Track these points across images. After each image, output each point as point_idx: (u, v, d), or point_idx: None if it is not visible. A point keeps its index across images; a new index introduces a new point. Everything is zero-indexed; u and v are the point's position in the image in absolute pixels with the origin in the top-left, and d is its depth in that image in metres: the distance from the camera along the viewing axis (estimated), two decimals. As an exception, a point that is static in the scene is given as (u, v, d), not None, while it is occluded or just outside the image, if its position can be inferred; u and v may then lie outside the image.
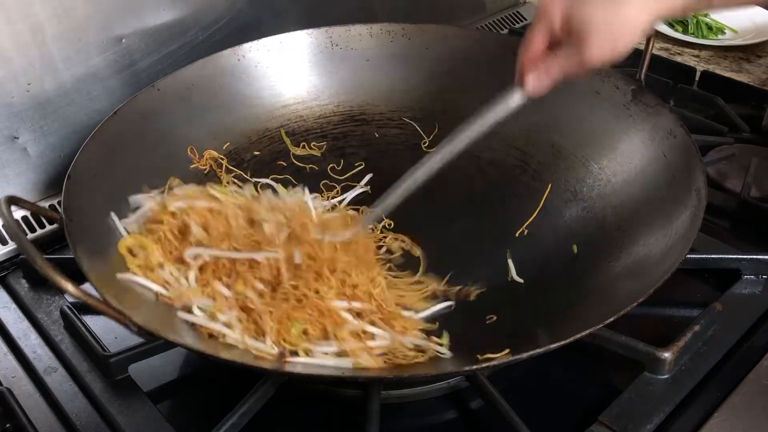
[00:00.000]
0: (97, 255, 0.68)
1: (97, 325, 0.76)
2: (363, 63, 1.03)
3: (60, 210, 0.70)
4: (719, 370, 0.71)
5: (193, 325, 0.66)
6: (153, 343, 0.70)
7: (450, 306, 0.74)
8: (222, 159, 0.91)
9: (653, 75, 1.12)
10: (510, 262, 0.80)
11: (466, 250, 0.82)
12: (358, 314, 0.68)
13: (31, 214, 0.91)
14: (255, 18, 1.06)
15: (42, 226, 0.90)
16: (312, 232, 0.71)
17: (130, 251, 0.71)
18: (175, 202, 0.73)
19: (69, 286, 0.57)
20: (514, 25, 1.41)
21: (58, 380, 0.72)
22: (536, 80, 0.69)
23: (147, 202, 0.75)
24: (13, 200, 0.65)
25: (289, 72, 1.01)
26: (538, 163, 0.92)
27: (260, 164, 0.94)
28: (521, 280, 0.78)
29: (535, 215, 0.85)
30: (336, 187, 0.90)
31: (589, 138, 0.89)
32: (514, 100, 0.71)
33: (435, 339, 0.68)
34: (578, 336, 0.59)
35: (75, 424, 0.67)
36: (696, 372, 0.70)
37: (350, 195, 0.89)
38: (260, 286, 0.67)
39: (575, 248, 0.81)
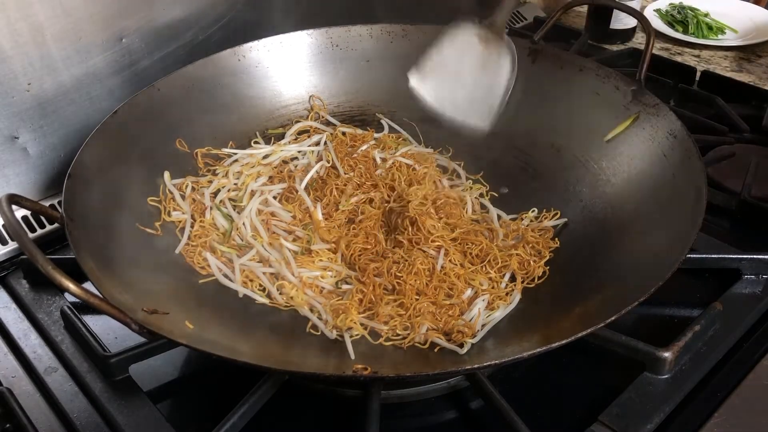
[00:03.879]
0: (98, 254, 0.68)
1: (97, 325, 0.76)
2: (363, 63, 1.03)
3: (60, 209, 0.70)
4: (719, 370, 0.71)
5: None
6: (153, 343, 0.70)
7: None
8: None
9: (653, 75, 1.13)
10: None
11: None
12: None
13: (32, 214, 0.91)
14: (255, 18, 1.06)
15: (42, 226, 0.90)
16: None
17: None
18: None
19: (70, 285, 0.57)
20: (514, 25, 1.41)
21: (58, 380, 0.72)
22: None
23: None
24: (14, 199, 0.65)
25: (289, 72, 1.01)
26: (538, 163, 0.92)
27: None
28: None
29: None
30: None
31: (589, 138, 0.89)
32: None
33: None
34: (578, 336, 0.59)
35: (75, 424, 0.67)
36: (696, 372, 0.70)
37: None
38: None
39: (576, 248, 0.81)
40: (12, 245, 0.87)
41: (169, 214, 0.83)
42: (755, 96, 1.16)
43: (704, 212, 0.70)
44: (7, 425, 0.65)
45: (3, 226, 0.88)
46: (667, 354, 0.68)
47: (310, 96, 1.01)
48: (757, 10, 1.44)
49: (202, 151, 0.91)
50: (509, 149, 0.94)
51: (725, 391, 0.69)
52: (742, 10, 1.45)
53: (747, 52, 1.33)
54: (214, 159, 0.92)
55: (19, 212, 0.89)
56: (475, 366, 0.63)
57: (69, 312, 0.76)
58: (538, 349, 0.58)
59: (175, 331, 0.63)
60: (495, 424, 0.67)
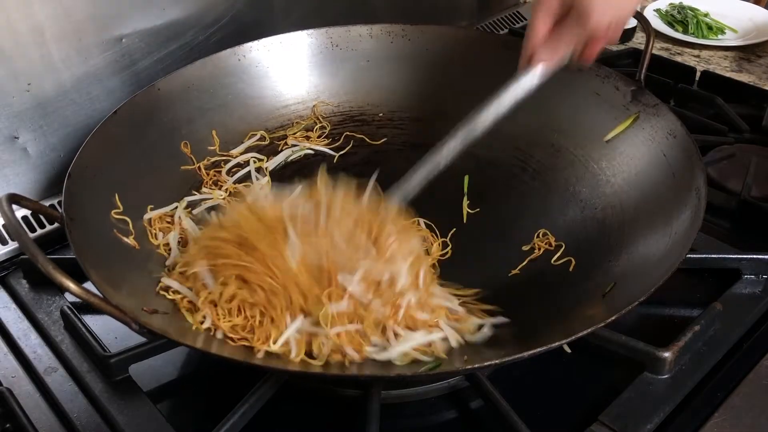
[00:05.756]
0: (98, 254, 0.68)
1: (97, 325, 0.76)
2: (363, 63, 1.03)
3: (60, 209, 0.70)
4: (719, 370, 0.71)
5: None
6: (153, 343, 0.70)
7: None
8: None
9: (653, 75, 1.13)
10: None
11: (465, 250, 0.82)
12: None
13: (32, 214, 0.91)
14: (255, 18, 1.06)
15: (42, 226, 0.90)
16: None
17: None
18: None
19: (71, 285, 0.57)
20: (514, 25, 1.41)
21: (58, 380, 0.71)
22: (549, 56, 0.73)
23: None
24: (14, 198, 0.65)
25: (289, 72, 1.01)
26: (538, 163, 0.92)
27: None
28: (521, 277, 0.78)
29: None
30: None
31: (589, 138, 0.89)
32: (530, 80, 0.74)
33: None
34: (578, 336, 0.59)
35: (75, 424, 0.67)
36: (696, 372, 0.70)
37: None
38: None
39: (575, 249, 0.81)
40: (12, 245, 0.87)
41: (155, 237, 0.79)
42: (755, 96, 1.16)
43: (704, 212, 0.70)
44: (7, 425, 0.65)
45: (3, 225, 0.88)
46: (667, 354, 0.68)
47: (314, 105, 1.01)
48: (757, 10, 1.44)
49: (205, 164, 0.91)
50: (509, 149, 0.94)
51: (725, 391, 0.69)
52: (742, 10, 1.45)
53: (747, 52, 1.33)
54: (216, 166, 0.92)
55: (20, 212, 0.89)
56: (475, 366, 0.63)
57: (69, 312, 0.76)
58: (538, 349, 0.58)
59: (175, 332, 0.63)
60: (495, 424, 0.67)
